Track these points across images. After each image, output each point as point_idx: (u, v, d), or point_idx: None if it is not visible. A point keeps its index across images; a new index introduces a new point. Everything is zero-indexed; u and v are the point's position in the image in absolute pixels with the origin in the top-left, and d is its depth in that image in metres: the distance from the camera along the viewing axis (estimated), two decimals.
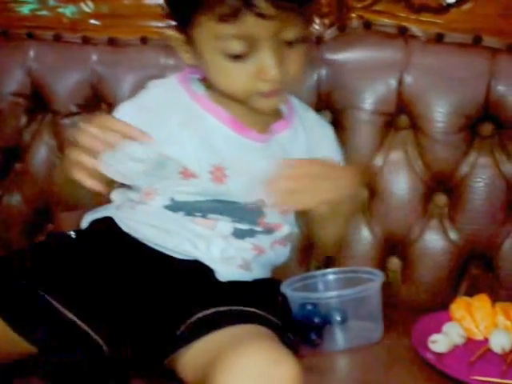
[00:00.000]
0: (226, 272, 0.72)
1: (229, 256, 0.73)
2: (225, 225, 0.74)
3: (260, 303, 0.67)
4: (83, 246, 0.74)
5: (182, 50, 0.72)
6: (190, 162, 0.72)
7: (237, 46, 0.65)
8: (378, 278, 0.75)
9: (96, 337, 0.66)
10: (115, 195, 0.78)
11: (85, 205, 0.78)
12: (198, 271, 0.72)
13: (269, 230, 0.76)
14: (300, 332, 0.73)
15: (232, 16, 0.63)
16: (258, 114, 0.74)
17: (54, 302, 0.67)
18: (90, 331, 0.66)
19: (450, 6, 0.88)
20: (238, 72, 0.68)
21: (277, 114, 0.77)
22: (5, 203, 1.01)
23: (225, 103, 0.74)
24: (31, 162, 1.00)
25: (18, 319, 0.65)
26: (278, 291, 0.76)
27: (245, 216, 0.74)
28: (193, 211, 0.73)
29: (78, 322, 0.66)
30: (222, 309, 0.66)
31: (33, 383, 0.66)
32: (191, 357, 0.63)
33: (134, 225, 0.73)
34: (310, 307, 0.74)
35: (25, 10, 1.00)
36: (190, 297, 0.68)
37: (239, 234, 0.74)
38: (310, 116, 0.82)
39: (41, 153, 0.99)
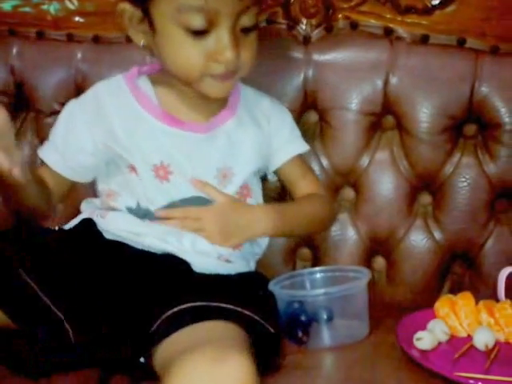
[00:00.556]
0: (201, 264, 0.73)
1: (202, 250, 0.74)
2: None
3: (238, 298, 0.67)
4: (62, 242, 0.74)
5: (134, 29, 0.73)
6: (134, 161, 0.74)
7: (198, 21, 0.66)
8: (364, 276, 0.76)
9: (68, 328, 0.66)
10: (83, 206, 0.80)
11: (45, 209, 0.78)
12: (174, 265, 0.72)
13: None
14: (287, 329, 0.73)
15: None
16: (201, 104, 0.75)
17: (37, 290, 0.67)
18: (64, 321, 0.66)
19: (435, 7, 0.88)
20: (194, 49, 0.69)
21: (220, 104, 0.78)
22: None
23: (168, 97, 0.75)
24: None
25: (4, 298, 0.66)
26: (259, 285, 0.76)
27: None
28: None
29: (53, 308, 0.66)
30: (193, 304, 0.65)
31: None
32: (160, 355, 0.63)
33: (105, 233, 0.75)
34: (296, 305, 0.74)
35: (7, 6, 0.98)
36: (166, 291, 0.68)
37: None
38: (264, 104, 0.83)
39: (24, 152, 0.97)
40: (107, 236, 0.75)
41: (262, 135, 0.80)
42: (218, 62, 0.69)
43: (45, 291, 0.67)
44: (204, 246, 0.74)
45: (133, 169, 0.75)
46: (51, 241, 0.74)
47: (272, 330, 0.68)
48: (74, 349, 0.65)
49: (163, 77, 0.77)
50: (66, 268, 0.70)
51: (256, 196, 0.81)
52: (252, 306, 0.67)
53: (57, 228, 0.80)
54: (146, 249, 0.73)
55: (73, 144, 0.77)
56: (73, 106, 0.79)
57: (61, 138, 0.78)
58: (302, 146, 0.85)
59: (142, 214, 0.75)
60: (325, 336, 0.74)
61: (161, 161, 0.74)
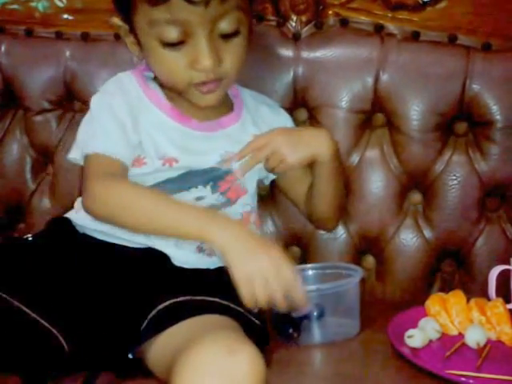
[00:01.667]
0: (180, 256, 0.72)
1: (182, 243, 0.72)
2: None
3: (222, 291, 0.67)
4: (40, 247, 0.73)
5: (129, 41, 0.74)
6: (142, 152, 0.74)
7: (171, 33, 0.67)
8: (357, 274, 0.75)
9: (59, 335, 0.65)
10: (77, 202, 0.78)
11: None
12: (155, 259, 0.71)
13: (232, 200, 0.76)
14: (277, 326, 0.73)
15: (162, 0, 0.64)
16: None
17: (15, 303, 0.65)
18: (53, 330, 0.65)
19: (425, 4, 0.88)
20: (173, 61, 0.69)
21: (227, 107, 0.79)
22: None
23: (176, 97, 0.75)
24: (2, 159, 0.98)
25: None
26: None
27: (204, 181, 0.74)
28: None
29: (41, 321, 0.65)
30: (183, 299, 0.65)
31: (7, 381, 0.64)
32: (155, 350, 0.63)
33: (81, 228, 0.74)
34: None
35: None
36: (151, 287, 0.67)
37: None
38: (264, 112, 0.83)
39: (12, 150, 0.98)
40: (83, 231, 0.74)
41: None
42: (197, 70, 0.69)
43: (30, 306, 0.66)
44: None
45: (138, 161, 0.74)
46: (25, 252, 0.73)
47: (258, 322, 0.68)
48: (66, 354, 0.65)
49: None
50: (45, 276, 0.69)
51: (252, 193, 0.80)
52: (235, 299, 0.66)
53: (30, 237, 0.77)
54: (123, 243, 0.72)
55: (119, 127, 0.73)
56: (102, 96, 0.77)
57: (108, 125, 0.74)
58: None
59: None
60: (315, 333, 0.73)
61: (165, 152, 0.74)
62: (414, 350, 0.70)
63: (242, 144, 0.78)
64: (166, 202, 0.68)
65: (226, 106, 0.80)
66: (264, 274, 0.62)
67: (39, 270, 0.69)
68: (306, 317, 0.72)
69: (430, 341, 0.72)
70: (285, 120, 0.85)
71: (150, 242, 0.72)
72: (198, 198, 0.75)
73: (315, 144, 0.78)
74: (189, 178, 0.75)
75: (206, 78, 0.69)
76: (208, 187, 0.75)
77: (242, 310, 0.66)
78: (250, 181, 0.80)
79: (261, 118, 0.82)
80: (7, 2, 0.98)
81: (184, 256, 0.72)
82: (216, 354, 0.53)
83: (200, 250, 0.74)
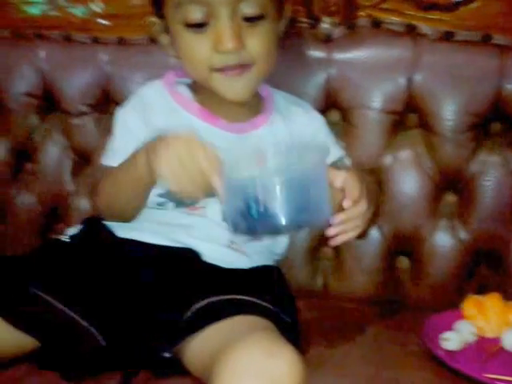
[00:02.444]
0: (211, 252, 0.72)
1: (214, 235, 0.73)
2: (215, 208, 0.73)
3: (255, 291, 0.67)
4: (77, 248, 0.75)
5: (164, 42, 0.76)
6: None
7: (195, 13, 0.68)
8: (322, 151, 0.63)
9: (97, 334, 0.66)
10: None
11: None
12: (187, 257, 0.72)
13: None
14: (237, 218, 0.61)
15: None
16: (237, 107, 0.76)
17: (56, 303, 0.67)
18: (91, 329, 0.67)
19: (458, 3, 0.87)
20: (197, 43, 0.70)
21: (257, 109, 0.79)
22: (16, 202, 1.02)
23: (205, 100, 0.77)
24: (42, 161, 1.00)
25: (20, 318, 0.66)
26: (275, 277, 0.76)
27: None
28: (182, 199, 0.74)
29: (79, 320, 0.67)
30: (219, 298, 0.65)
31: (46, 376, 0.66)
32: (193, 350, 0.63)
33: (121, 230, 0.75)
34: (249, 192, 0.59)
35: (35, 10, 1.01)
36: (186, 286, 0.68)
37: None
38: (298, 114, 0.82)
39: (51, 153, 1.00)
40: (116, 230, 0.75)
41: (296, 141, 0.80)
42: (219, 52, 0.69)
43: (68, 305, 0.67)
44: (214, 233, 0.73)
45: None
46: (63, 253, 0.75)
47: (289, 320, 0.68)
48: (103, 352, 0.66)
49: (199, 85, 0.78)
50: (83, 275, 0.70)
51: None
52: (269, 299, 0.67)
53: (67, 238, 0.78)
54: (155, 241, 0.73)
55: (131, 142, 0.76)
56: (122, 112, 0.81)
57: (120, 141, 0.79)
58: (338, 152, 0.84)
59: (170, 196, 0.75)
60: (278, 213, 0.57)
61: None
62: (449, 352, 0.69)
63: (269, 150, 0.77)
64: (118, 169, 0.72)
65: (256, 107, 0.80)
66: (181, 161, 0.61)
67: (77, 270, 0.71)
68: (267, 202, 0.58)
69: (466, 344, 0.72)
70: (317, 121, 0.85)
71: (181, 239, 0.73)
72: None
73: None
74: None
75: (228, 62, 0.69)
76: None
77: (276, 310, 0.67)
78: None
79: (292, 119, 0.82)
80: (46, 9, 1.00)
81: (215, 251, 0.73)
82: (256, 356, 0.53)
83: (231, 244, 0.74)
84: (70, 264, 0.72)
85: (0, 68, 1.01)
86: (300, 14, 0.91)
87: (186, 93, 0.79)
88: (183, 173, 0.61)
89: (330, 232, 0.64)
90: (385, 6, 0.89)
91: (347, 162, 0.85)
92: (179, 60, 0.77)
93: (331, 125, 0.90)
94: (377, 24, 0.90)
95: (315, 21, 0.91)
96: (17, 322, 0.65)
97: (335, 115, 0.91)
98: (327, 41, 0.90)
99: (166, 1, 0.71)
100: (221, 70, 0.70)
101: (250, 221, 0.59)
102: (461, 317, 0.76)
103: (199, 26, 0.69)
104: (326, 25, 0.90)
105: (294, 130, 0.81)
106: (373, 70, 0.88)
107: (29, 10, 1.01)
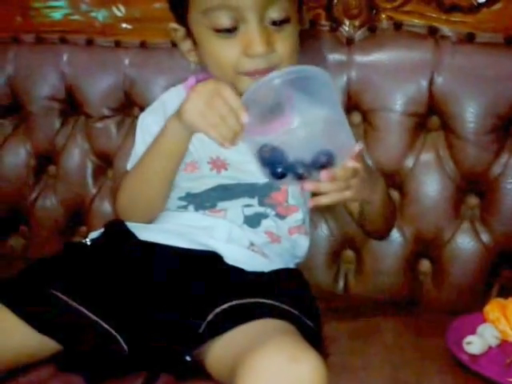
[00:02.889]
0: (232, 253, 0.72)
1: (234, 237, 0.74)
2: (235, 212, 0.75)
3: (278, 294, 0.67)
4: (98, 251, 0.76)
5: (185, 48, 0.77)
6: (190, 157, 0.77)
7: (224, 19, 0.69)
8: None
9: (119, 337, 0.67)
10: None
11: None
12: (209, 259, 0.72)
13: (281, 215, 0.77)
14: (265, 165, 0.67)
15: None
16: None
17: (78, 307, 0.68)
18: (113, 332, 0.67)
19: (480, 5, 0.87)
20: (225, 49, 0.70)
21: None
22: (39, 205, 1.03)
23: None
24: (64, 164, 1.01)
25: (43, 322, 0.66)
26: (297, 280, 0.76)
27: (255, 193, 0.76)
28: (203, 202, 0.75)
29: (101, 323, 0.67)
30: (241, 302, 0.66)
31: (69, 378, 0.67)
32: (215, 353, 0.63)
33: (144, 233, 0.75)
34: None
35: (58, 15, 1.02)
36: (208, 288, 0.68)
37: (251, 221, 0.75)
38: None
39: (74, 156, 1.01)
40: (138, 233, 0.75)
41: None
42: (249, 56, 0.70)
43: (90, 308, 0.68)
44: (234, 235, 0.74)
45: (192, 166, 0.77)
46: (85, 256, 0.75)
47: (311, 325, 0.68)
48: (125, 355, 0.67)
49: None
50: (104, 279, 0.71)
51: (307, 195, 0.80)
52: (291, 302, 0.67)
53: (88, 240, 0.79)
54: (176, 243, 0.73)
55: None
56: (143, 116, 0.84)
57: (141, 145, 0.81)
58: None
59: (190, 200, 0.77)
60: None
61: (217, 156, 0.77)
62: (472, 356, 0.69)
63: None
64: (142, 158, 0.77)
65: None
66: (207, 97, 0.67)
67: (98, 274, 0.72)
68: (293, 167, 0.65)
69: (490, 347, 0.71)
70: None
71: (203, 241, 0.73)
72: (247, 205, 0.76)
73: (375, 190, 0.76)
74: (235, 188, 0.76)
75: (258, 66, 0.70)
76: (255, 199, 0.77)
77: (298, 314, 0.67)
78: (302, 199, 0.79)
79: None
80: (68, 14, 1.02)
81: (236, 253, 0.73)
82: (280, 361, 0.53)
83: (251, 246, 0.74)
84: (91, 267, 0.73)
85: (23, 72, 1.03)
86: (321, 16, 0.91)
87: None
88: (212, 112, 0.66)
89: (307, 186, 0.67)
90: (406, 8, 0.89)
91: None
92: (201, 65, 0.78)
93: (353, 127, 0.88)
94: (398, 26, 0.89)
95: (336, 24, 0.91)
96: (40, 325, 0.66)
97: (357, 117, 0.91)
98: (348, 43, 0.90)
99: (192, 7, 0.71)
100: (249, 73, 0.71)
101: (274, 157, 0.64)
102: (483, 320, 0.75)
103: (228, 31, 0.70)
104: (347, 27, 0.91)
105: None
106: (394, 72, 0.88)
107: (52, 15, 1.02)
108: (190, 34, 0.74)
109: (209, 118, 0.67)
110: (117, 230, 0.78)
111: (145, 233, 0.75)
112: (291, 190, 0.78)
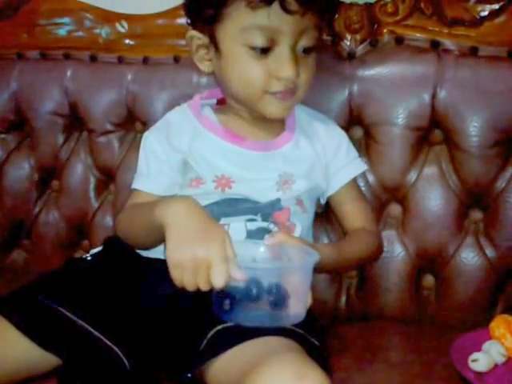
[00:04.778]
0: None
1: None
2: (238, 226, 0.74)
3: None
4: (99, 267, 0.76)
5: (200, 57, 0.77)
6: (195, 174, 0.77)
7: (260, 39, 0.70)
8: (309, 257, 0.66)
9: (120, 354, 0.66)
10: None
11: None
12: None
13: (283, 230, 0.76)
14: (214, 297, 0.64)
15: (263, 3, 0.67)
16: (260, 126, 0.79)
17: (79, 321, 0.68)
18: (115, 348, 0.66)
19: (483, 19, 0.87)
20: (257, 66, 0.72)
21: (279, 126, 0.81)
22: (42, 220, 1.04)
23: (229, 121, 0.79)
24: (67, 179, 1.02)
25: (45, 337, 0.66)
26: None
27: (258, 210, 0.76)
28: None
29: (103, 339, 0.67)
30: None
31: None
32: (217, 371, 0.62)
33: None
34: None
35: (62, 31, 1.03)
36: (209, 305, 0.67)
37: (254, 236, 0.75)
38: (318, 129, 0.84)
39: (77, 170, 1.02)
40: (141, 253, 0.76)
41: (317, 158, 0.82)
42: (278, 78, 0.72)
43: (90, 323, 0.68)
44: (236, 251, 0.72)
45: (197, 181, 0.77)
46: (86, 272, 0.76)
47: (317, 343, 0.67)
48: (127, 371, 0.66)
49: (223, 107, 0.82)
50: (106, 295, 0.71)
51: (309, 213, 0.81)
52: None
53: (89, 256, 0.80)
54: None
55: (156, 165, 0.80)
56: (146, 135, 0.84)
57: (144, 164, 0.81)
58: (359, 167, 0.85)
59: None
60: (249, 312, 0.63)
61: (222, 174, 0.77)
62: (478, 374, 0.68)
63: (299, 163, 0.79)
64: (140, 208, 0.75)
65: (280, 124, 0.81)
66: (195, 265, 0.59)
67: (99, 289, 0.72)
68: (246, 296, 0.63)
69: (496, 365, 0.70)
70: (340, 137, 0.85)
71: None
72: (250, 220, 0.76)
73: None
74: (238, 205, 0.76)
75: (285, 88, 0.72)
76: (258, 216, 0.77)
77: (301, 331, 0.66)
78: (304, 221, 0.79)
79: (315, 134, 0.83)
80: (72, 30, 1.03)
81: None
82: (286, 378, 0.53)
83: (253, 260, 0.72)
84: (92, 283, 0.73)
85: (27, 88, 1.04)
86: (323, 31, 0.91)
87: (211, 115, 0.81)
88: (191, 279, 0.61)
89: None
90: (408, 22, 0.89)
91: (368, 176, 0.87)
92: (214, 76, 0.78)
93: (354, 141, 0.89)
94: (400, 40, 0.89)
95: (338, 38, 0.91)
96: (40, 339, 0.66)
97: (358, 131, 0.91)
98: (350, 58, 0.91)
99: (228, 22, 0.71)
100: (274, 93, 0.73)
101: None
102: (489, 337, 0.74)
103: (262, 50, 0.71)
104: (348, 42, 0.91)
105: (317, 146, 0.82)
106: (396, 86, 0.88)
107: (56, 32, 1.03)
108: (214, 44, 0.74)
109: (182, 272, 0.61)
110: (117, 246, 0.78)
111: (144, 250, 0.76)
112: (293, 210, 0.78)
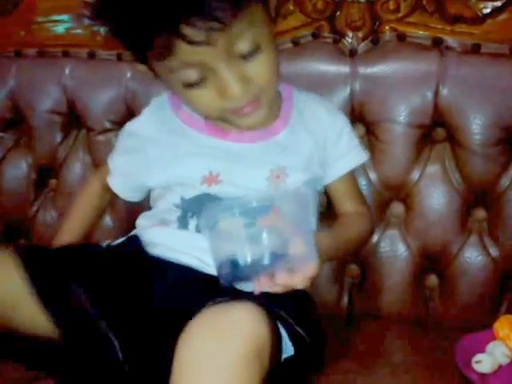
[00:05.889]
0: None
1: None
2: None
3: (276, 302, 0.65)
4: (109, 259, 0.75)
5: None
6: (181, 174, 0.75)
7: (191, 75, 0.66)
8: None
9: (116, 344, 0.65)
10: (140, 220, 0.80)
11: None
12: (213, 283, 0.69)
13: None
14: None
15: (167, 51, 0.62)
16: None
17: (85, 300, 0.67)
18: (112, 338, 0.65)
19: (485, 16, 0.86)
20: (202, 98, 0.68)
21: (272, 114, 0.76)
22: (39, 219, 1.02)
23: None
24: (66, 178, 1.01)
25: (55, 307, 0.66)
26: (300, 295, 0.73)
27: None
28: (194, 211, 0.73)
29: (102, 324, 0.66)
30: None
31: None
32: None
33: (148, 246, 0.75)
34: None
35: (60, 29, 1.02)
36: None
37: None
38: (320, 114, 0.80)
39: (75, 169, 1.00)
40: (150, 249, 0.75)
41: (315, 145, 0.78)
42: (228, 100, 0.67)
43: (94, 306, 0.67)
44: None
45: (182, 184, 0.76)
46: (99, 257, 0.75)
47: (303, 333, 0.65)
48: (119, 364, 0.65)
49: None
50: (113, 285, 0.70)
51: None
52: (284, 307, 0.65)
53: (105, 245, 0.81)
54: (184, 262, 0.72)
55: (126, 165, 0.80)
56: (125, 128, 0.83)
57: (118, 162, 0.82)
58: (360, 157, 0.82)
59: (185, 208, 0.75)
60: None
61: (210, 171, 0.75)
62: (482, 375, 0.67)
63: (294, 153, 0.76)
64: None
65: (275, 111, 0.77)
66: None
67: (108, 280, 0.71)
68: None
69: (500, 366, 0.69)
70: (342, 123, 0.82)
71: (206, 268, 0.71)
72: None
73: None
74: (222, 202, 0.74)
75: (240, 104, 0.68)
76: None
77: (291, 321, 0.65)
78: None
79: (315, 119, 0.79)
80: (71, 27, 1.02)
81: None
82: (207, 321, 0.53)
83: None
84: (105, 270, 0.72)
85: (25, 85, 1.02)
86: (324, 29, 0.90)
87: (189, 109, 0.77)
88: None
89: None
90: (410, 19, 0.88)
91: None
92: None
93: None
94: (402, 38, 0.88)
95: (339, 36, 0.90)
96: (49, 306, 0.65)
97: (360, 129, 0.90)
98: (351, 55, 0.90)
99: (157, 65, 0.68)
100: (236, 110, 0.69)
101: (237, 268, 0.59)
102: (493, 338, 0.73)
103: (198, 83, 0.66)
104: (350, 39, 0.90)
105: (316, 132, 0.79)
106: (398, 84, 0.87)
107: (54, 29, 1.02)
108: (157, 76, 0.71)
109: None
110: (132, 242, 0.77)
111: (152, 248, 0.75)
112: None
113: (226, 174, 0.74)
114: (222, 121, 0.73)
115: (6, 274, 0.66)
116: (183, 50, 0.62)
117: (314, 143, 0.78)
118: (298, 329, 0.66)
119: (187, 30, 0.60)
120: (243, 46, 0.65)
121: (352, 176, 0.84)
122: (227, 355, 0.52)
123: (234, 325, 0.53)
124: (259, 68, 0.67)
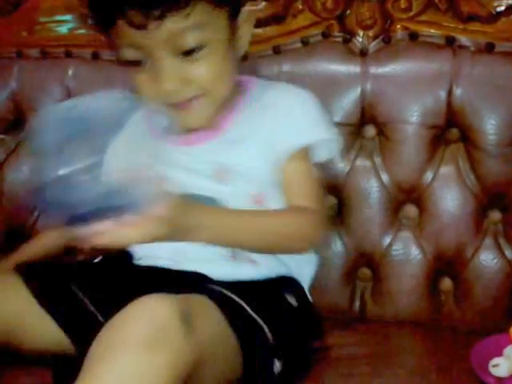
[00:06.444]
0: (213, 270, 0.70)
1: (211, 250, 0.69)
2: None
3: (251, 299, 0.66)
4: (99, 269, 0.76)
5: None
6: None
7: (130, 54, 0.67)
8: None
9: None
10: None
11: None
12: (194, 281, 0.70)
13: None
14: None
15: (107, 25, 0.66)
16: None
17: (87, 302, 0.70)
18: None
19: (499, 14, 0.85)
20: (141, 80, 0.68)
21: (224, 113, 0.73)
22: (40, 224, 0.99)
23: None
24: None
25: (62, 313, 0.68)
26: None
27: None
28: None
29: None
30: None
31: None
32: None
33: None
34: None
35: (63, 29, 1.00)
36: None
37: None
38: (272, 94, 0.75)
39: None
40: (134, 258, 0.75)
41: (266, 132, 0.72)
42: (161, 91, 0.66)
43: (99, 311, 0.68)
44: (211, 248, 0.69)
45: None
46: (89, 268, 0.77)
47: (260, 321, 0.64)
48: None
49: None
50: (109, 291, 0.70)
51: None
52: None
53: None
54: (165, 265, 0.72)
55: None
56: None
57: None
58: (315, 135, 0.73)
59: None
60: None
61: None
62: (499, 379, 0.67)
63: (244, 147, 0.72)
64: None
65: (222, 110, 0.72)
66: None
67: (104, 285, 0.72)
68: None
69: None
70: (299, 101, 0.74)
71: (183, 261, 0.71)
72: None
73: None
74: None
75: (173, 100, 0.67)
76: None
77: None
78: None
79: (272, 105, 0.74)
80: (74, 28, 1.00)
81: (216, 269, 0.70)
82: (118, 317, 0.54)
83: (233, 254, 0.71)
84: (100, 276, 0.73)
85: (27, 87, 1.00)
86: (334, 28, 0.89)
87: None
88: None
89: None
90: (422, 18, 0.87)
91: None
92: None
93: (367, 140, 0.88)
94: (414, 37, 0.87)
95: (350, 35, 0.89)
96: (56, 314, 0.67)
97: (371, 130, 0.89)
98: (362, 55, 0.88)
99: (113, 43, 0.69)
100: (173, 105, 0.67)
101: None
102: (510, 341, 0.72)
103: (138, 63, 0.66)
104: (360, 39, 0.89)
105: (271, 117, 0.73)
106: (411, 83, 0.86)
107: (57, 29, 1.00)
108: None
109: None
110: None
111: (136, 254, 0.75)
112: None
113: (170, 178, 0.68)
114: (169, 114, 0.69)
115: (7, 294, 0.68)
116: (124, 29, 0.64)
117: (264, 129, 0.73)
118: (266, 329, 0.65)
119: (130, 11, 0.62)
120: (184, 42, 0.64)
121: (306, 167, 0.74)
122: (125, 342, 0.52)
123: (136, 314, 0.54)
124: (202, 70, 0.66)
